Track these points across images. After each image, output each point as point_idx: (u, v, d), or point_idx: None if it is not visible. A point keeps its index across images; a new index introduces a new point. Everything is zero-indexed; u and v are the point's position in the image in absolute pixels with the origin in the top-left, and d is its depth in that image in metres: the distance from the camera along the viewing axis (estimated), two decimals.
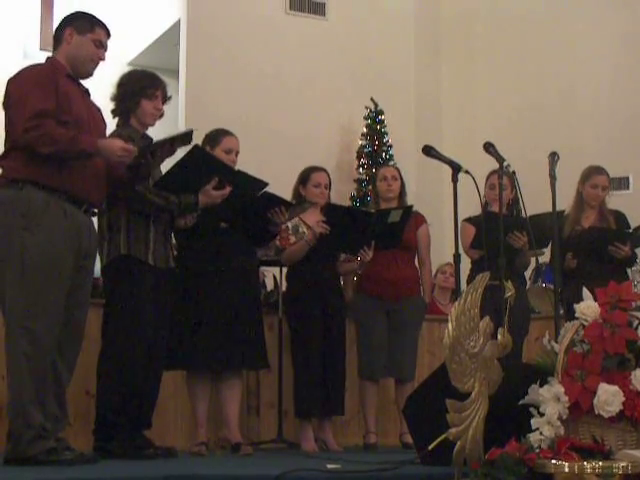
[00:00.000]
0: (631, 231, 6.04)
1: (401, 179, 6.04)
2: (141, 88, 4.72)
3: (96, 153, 4.10)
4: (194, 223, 4.94)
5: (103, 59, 4.30)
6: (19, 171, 3.99)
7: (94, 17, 4.33)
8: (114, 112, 4.79)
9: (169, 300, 4.72)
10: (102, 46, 4.29)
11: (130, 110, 4.71)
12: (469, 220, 5.97)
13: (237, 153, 5.18)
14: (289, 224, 5.55)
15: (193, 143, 4.58)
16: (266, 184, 4.94)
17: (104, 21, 4.35)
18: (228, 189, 4.73)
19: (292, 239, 5.54)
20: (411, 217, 5.75)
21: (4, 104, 4.12)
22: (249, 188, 4.95)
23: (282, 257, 5.61)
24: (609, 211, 6.11)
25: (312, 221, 5.50)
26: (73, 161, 4.04)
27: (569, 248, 5.94)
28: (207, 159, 4.74)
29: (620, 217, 6.11)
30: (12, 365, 3.93)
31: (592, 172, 6.09)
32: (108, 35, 4.33)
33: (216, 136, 5.17)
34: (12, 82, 4.10)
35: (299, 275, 5.59)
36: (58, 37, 4.28)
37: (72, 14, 4.33)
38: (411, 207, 5.72)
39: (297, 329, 5.53)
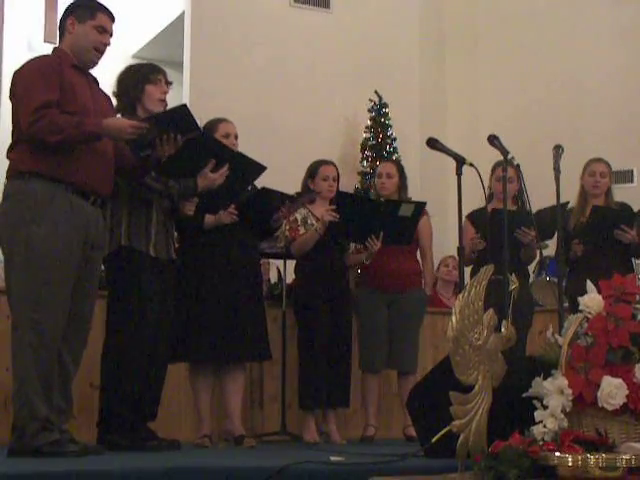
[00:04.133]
0: (636, 212, 6.00)
1: (401, 174, 6.01)
2: (143, 75, 4.72)
3: (104, 134, 4.08)
4: (198, 217, 4.95)
5: (108, 44, 4.24)
6: (25, 163, 3.99)
7: (95, 3, 4.26)
8: (117, 108, 4.76)
9: (171, 291, 4.72)
10: (105, 31, 4.22)
11: (135, 99, 4.69)
12: (471, 217, 5.96)
13: (236, 136, 5.16)
14: (298, 216, 5.57)
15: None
16: (264, 168, 4.91)
17: (106, 6, 4.27)
18: (226, 168, 4.70)
19: (302, 230, 5.56)
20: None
21: (10, 96, 4.11)
22: (248, 171, 4.93)
23: (292, 248, 5.63)
24: (615, 203, 6.10)
25: (320, 212, 5.51)
26: (81, 146, 4.02)
27: (575, 237, 5.93)
28: (206, 140, 4.69)
29: (626, 209, 6.10)
30: (17, 356, 3.93)
31: (590, 162, 6.11)
32: (112, 19, 4.26)
33: (212, 125, 5.16)
34: (17, 74, 4.09)
35: (307, 267, 5.59)
36: (62, 27, 4.26)
37: (73, 2, 4.28)
38: (424, 204, 5.70)
39: (304, 320, 5.54)
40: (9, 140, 4.13)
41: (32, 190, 3.97)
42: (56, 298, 3.96)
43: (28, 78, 4.02)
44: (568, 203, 5.94)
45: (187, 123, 4.33)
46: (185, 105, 4.41)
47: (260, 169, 4.93)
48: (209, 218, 5.01)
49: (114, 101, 4.73)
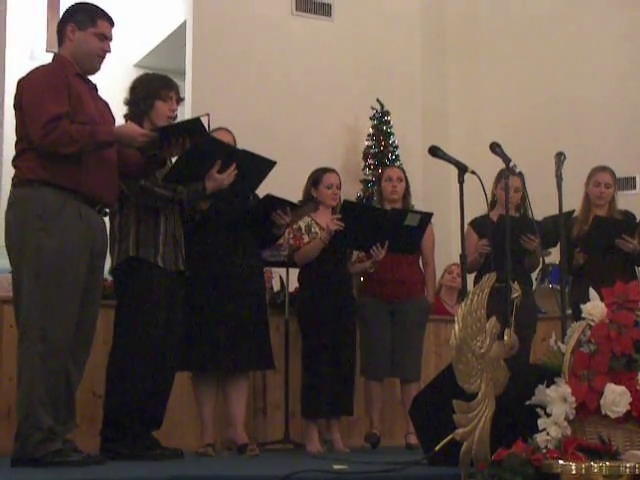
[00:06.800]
0: (638, 222, 6.00)
1: (406, 180, 6.04)
2: (155, 90, 4.70)
3: (116, 141, 4.10)
4: (201, 224, 4.97)
5: (109, 51, 4.22)
6: (34, 172, 3.98)
7: (95, 8, 4.23)
8: (127, 116, 4.75)
9: (180, 302, 4.71)
10: (106, 38, 4.20)
11: (144, 113, 4.67)
12: (473, 224, 5.95)
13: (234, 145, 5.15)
14: (301, 224, 5.57)
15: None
16: (274, 163, 4.88)
17: (105, 11, 4.24)
18: (233, 168, 4.67)
19: (305, 238, 5.56)
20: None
21: (16, 104, 4.08)
22: (257, 168, 4.89)
23: (296, 256, 5.62)
24: (618, 211, 6.10)
25: (324, 220, 5.51)
26: (93, 153, 4.02)
27: (577, 245, 5.93)
28: (212, 143, 4.67)
29: (628, 216, 6.10)
30: (25, 366, 3.90)
31: (595, 171, 6.11)
32: (112, 24, 4.24)
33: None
34: (25, 83, 4.06)
35: (311, 275, 5.59)
36: (61, 34, 4.21)
37: (72, 7, 4.23)
38: (431, 214, 5.70)
39: (307, 329, 5.54)
40: (13, 147, 4.13)
41: (42, 198, 3.96)
42: (66, 308, 3.95)
43: (36, 89, 4.00)
44: (574, 212, 5.94)
45: (199, 135, 4.35)
46: (199, 119, 4.40)
47: (269, 164, 4.89)
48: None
49: (124, 108, 4.74)
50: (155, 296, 4.52)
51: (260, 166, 4.89)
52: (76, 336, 4.04)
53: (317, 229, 5.57)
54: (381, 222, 5.50)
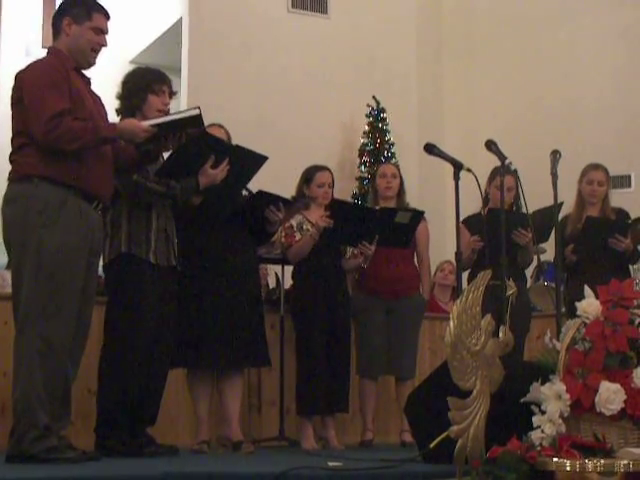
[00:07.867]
0: (630, 222, 6.00)
1: (400, 177, 6.03)
2: (147, 84, 4.69)
3: (118, 137, 4.10)
4: (195, 220, 4.96)
5: (105, 45, 4.22)
6: (33, 167, 3.96)
7: (91, 2, 4.22)
8: (118, 111, 4.74)
9: (172, 297, 4.71)
10: (102, 32, 4.20)
11: (136, 107, 4.66)
12: (466, 222, 5.94)
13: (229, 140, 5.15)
14: (293, 222, 5.57)
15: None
16: (266, 158, 4.88)
17: (101, 4, 4.24)
18: (226, 163, 4.67)
19: (297, 236, 5.56)
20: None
21: (14, 99, 4.06)
22: (249, 163, 4.89)
23: (289, 254, 5.62)
24: (611, 209, 6.10)
25: (316, 217, 5.51)
26: (93, 149, 4.02)
27: (570, 244, 5.93)
28: (204, 138, 4.65)
29: (622, 214, 6.09)
30: (24, 363, 3.89)
31: (588, 169, 6.09)
32: (107, 17, 4.23)
33: None
34: (24, 78, 4.03)
35: (305, 272, 5.59)
36: (56, 27, 4.20)
37: (68, 0, 4.23)
38: (422, 212, 5.70)
39: (302, 326, 5.54)
40: (7, 142, 4.11)
41: (42, 194, 3.94)
42: (66, 306, 3.94)
43: (38, 85, 3.97)
44: (563, 203, 5.93)
45: (196, 127, 4.35)
46: (199, 117, 4.38)
47: (261, 159, 4.89)
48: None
49: (116, 103, 4.73)
50: (147, 292, 4.52)
51: (252, 161, 4.89)
52: (73, 332, 4.03)
53: (309, 226, 5.56)
54: (371, 220, 5.50)
